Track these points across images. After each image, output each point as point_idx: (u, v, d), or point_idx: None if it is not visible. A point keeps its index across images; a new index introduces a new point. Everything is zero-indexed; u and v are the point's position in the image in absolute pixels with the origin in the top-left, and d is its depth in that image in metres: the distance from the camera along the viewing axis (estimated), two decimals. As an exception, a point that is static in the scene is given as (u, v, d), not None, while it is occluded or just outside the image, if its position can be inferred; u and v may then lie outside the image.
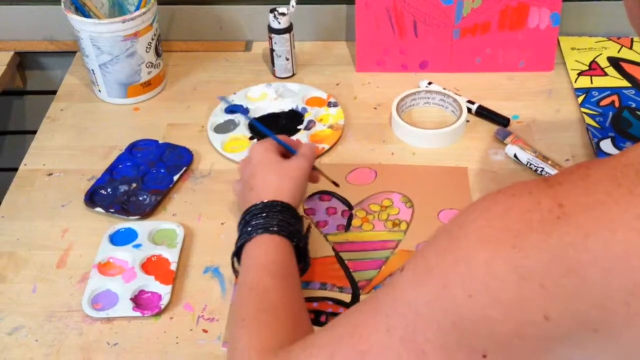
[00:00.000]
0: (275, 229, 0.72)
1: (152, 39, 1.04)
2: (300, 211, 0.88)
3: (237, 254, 0.74)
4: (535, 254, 0.42)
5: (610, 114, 1.01)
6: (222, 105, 1.05)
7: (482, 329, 0.44)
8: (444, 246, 0.46)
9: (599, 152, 0.95)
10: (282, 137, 0.84)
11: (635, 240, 0.40)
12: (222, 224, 0.88)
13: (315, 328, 0.76)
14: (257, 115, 1.04)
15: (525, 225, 0.43)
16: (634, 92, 1.05)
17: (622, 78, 1.08)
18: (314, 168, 0.83)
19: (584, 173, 0.44)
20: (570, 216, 0.42)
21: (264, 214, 0.73)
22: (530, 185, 0.45)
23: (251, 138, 0.99)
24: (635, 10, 0.52)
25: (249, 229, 0.73)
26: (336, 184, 0.88)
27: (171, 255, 0.83)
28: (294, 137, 0.98)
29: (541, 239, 0.42)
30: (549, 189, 0.44)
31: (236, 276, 0.76)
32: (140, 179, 0.93)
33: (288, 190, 0.76)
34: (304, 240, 0.75)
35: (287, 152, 0.83)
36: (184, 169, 0.95)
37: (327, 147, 0.98)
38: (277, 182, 0.76)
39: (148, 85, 1.07)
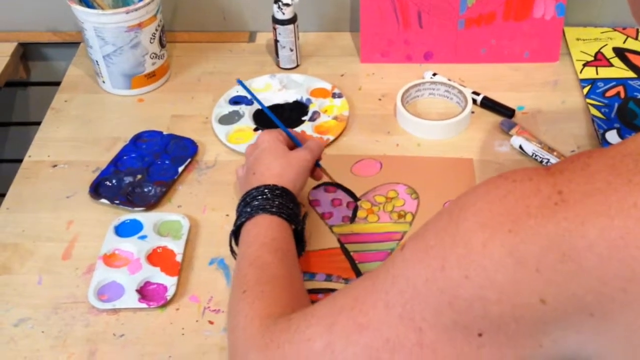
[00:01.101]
0: (275, 210, 0.74)
1: (156, 30, 1.04)
2: (305, 202, 0.89)
3: (236, 233, 0.76)
4: (532, 238, 0.43)
5: (616, 104, 1.01)
6: (226, 97, 1.05)
7: (478, 309, 0.45)
8: (444, 227, 0.47)
9: (604, 143, 0.94)
10: (291, 131, 0.85)
11: (632, 228, 0.41)
12: (227, 215, 0.88)
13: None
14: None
15: (524, 210, 0.43)
16: (639, 83, 1.05)
17: (627, 69, 1.07)
18: (318, 165, 0.84)
19: (584, 162, 0.45)
20: (568, 203, 0.43)
21: (265, 196, 0.75)
22: (531, 172, 0.46)
23: (256, 129, 0.99)
24: (637, 1, 0.52)
25: (249, 209, 0.75)
26: (338, 185, 0.88)
27: (176, 247, 0.83)
28: (299, 129, 0.99)
29: (538, 224, 0.43)
30: (550, 176, 0.45)
31: (234, 257, 0.77)
32: (145, 171, 0.93)
33: (289, 177, 0.78)
34: (302, 225, 0.78)
35: (293, 145, 0.84)
36: (189, 160, 0.95)
37: (331, 138, 0.98)
38: (279, 169, 0.78)
39: (152, 76, 1.07)
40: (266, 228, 0.73)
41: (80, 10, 0.99)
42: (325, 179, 0.87)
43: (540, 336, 0.44)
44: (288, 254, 0.72)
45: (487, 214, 0.45)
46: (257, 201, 0.75)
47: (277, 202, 0.75)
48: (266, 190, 0.76)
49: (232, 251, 0.78)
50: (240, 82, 0.87)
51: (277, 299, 0.65)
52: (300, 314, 0.57)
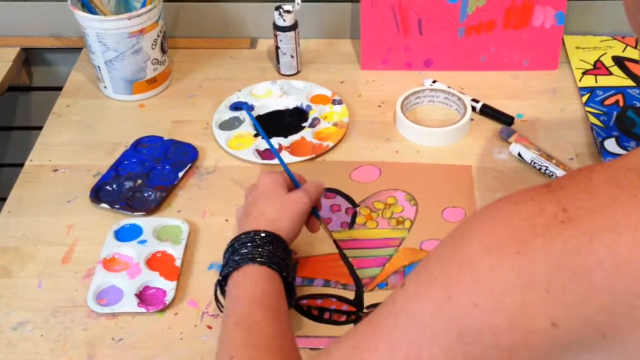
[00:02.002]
0: (264, 260, 0.69)
1: (158, 36, 1.04)
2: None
3: (221, 283, 0.72)
4: (541, 258, 0.42)
5: (615, 113, 1.01)
6: (227, 103, 1.05)
7: (488, 339, 0.43)
8: (448, 256, 0.46)
9: (603, 151, 0.95)
10: (292, 173, 0.82)
11: None
12: (227, 220, 0.88)
13: (316, 325, 0.76)
14: (261, 113, 1.04)
15: (530, 231, 0.43)
16: (638, 91, 1.05)
17: (626, 77, 1.08)
18: (316, 215, 0.80)
19: (586, 177, 0.44)
20: (574, 220, 0.42)
21: (254, 243, 0.71)
22: (532, 192, 0.45)
23: (256, 135, 1.00)
24: (634, 8, 0.52)
25: (237, 257, 0.70)
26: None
27: (176, 252, 0.83)
28: (299, 135, 0.99)
29: (546, 244, 0.42)
30: (552, 194, 0.44)
31: (219, 308, 0.74)
32: (146, 176, 0.94)
33: (283, 224, 0.74)
34: (292, 275, 0.73)
35: (294, 186, 0.81)
36: (189, 165, 0.95)
37: (331, 144, 0.98)
38: (273, 213, 0.74)
39: (153, 81, 1.08)
40: (255, 280, 0.68)
41: (82, 16, 1.00)
42: (327, 177, 0.85)
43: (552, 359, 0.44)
44: (278, 309, 0.67)
45: (493, 237, 0.44)
46: (245, 249, 0.70)
47: (266, 251, 0.70)
48: (256, 238, 0.71)
49: (218, 302, 0.74)
50: (248, 113, 0.84)
51: None
52: None
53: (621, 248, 0.41)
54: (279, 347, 0.63)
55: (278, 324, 0.65)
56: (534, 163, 0.93)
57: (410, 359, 0.45)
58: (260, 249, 0.70)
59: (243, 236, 0.72)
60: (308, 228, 0.80)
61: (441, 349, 0.45)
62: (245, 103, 1.05)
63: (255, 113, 1.04)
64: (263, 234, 0.71)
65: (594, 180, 0.43)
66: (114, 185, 0.93)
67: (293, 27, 1.07)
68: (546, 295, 0.42)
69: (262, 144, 0.98)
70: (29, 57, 1.22)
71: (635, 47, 1.14)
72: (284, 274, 0.70)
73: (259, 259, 0.69)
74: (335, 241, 0.85)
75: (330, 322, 0.77)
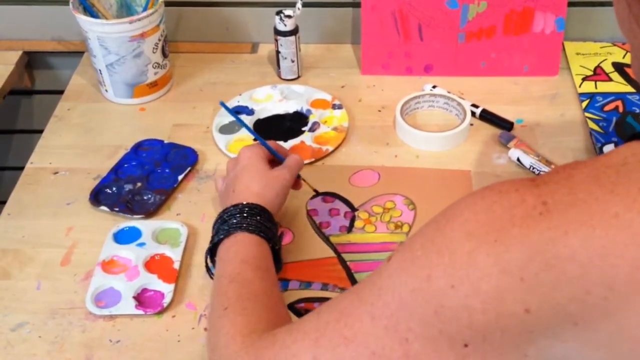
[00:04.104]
0: (253, 228, 0.74)
1: (159, 40, 1.05)
2: (303, 213, 0.89)
3: (212, 251, 0.76)
4: (516, 248, 0.43)
5: (614, 119, 1.02)
6: (228, 106, 1.05)
7: (463, 319, 0.45)
8: (430, 237, 0.48)
9: (602, 157, 0.95)
10: (271, 144, 0.85)
11: (613, 237, 0.41)
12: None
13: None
14: (262, 117, 1.05)
15: (509, 220, 0.44)
16: (638, 97, 1.05)
17: (626, 83, 1.08)
18: (297, 176, 0.85)
19: (568, 173, 0.45)
20: (552, 213, 0.43)
21: (243, 215, 0.75)
22: (518, 183, 0.47)
23: (255, 140, 1.00)
24: (623, 14, 0.53)
25: (227, 227, 0.74)
26: (316, 192, 0.89)
27: (174, 254, 0.84)
28: (298, 139, 0.99)
29: (522, 234, 0.43)
30: (535, 187, 0.45)
31: (210, 275, 0.77)
32: (145, 179, 0.94)
33: (268, 197, 0.78)
34: (279, 244, 0.77)
35: (274, 158, 0.85)
36: (189, 169, 0.96)
37: (331, 149, 0.98)
38: (259, 187, 0.78)
39: (154, 85, 1.08)
40: (246, 246, 0.73)
41: (84, 19, 1.00)
42: (325, 182, 0.87)
43: (525, 346, 0.45)
44: (268, 271, 0.72)
45: (474, 224, 0.45)
46: (235, 219, 0.75)
47: (255, 221, 0.74)
48: (245, 209, 0.75)
49: (208, 269, 0.78)
50: (223, 104, 0.86)
51: (259, 315, 0.65)
52: (285, 330, 0.57)
53: (595, 241, 0.42)
54: (269, 302, 0.68)
55: (268, 283, 0.70)
56: (533, 168, 0.93)
57: (389, 331, 0.48)
58: (249, 219, 0.74)
59: (232, 208, 0.76)
60: (292, 187, 0.84)
61: (418, 324, 0.47)
62: (246, 107, 1.05)
63: (255, 117, 1.04)
64: (250, 206, 0.76)
65: (575, 177, 0.45)
66: (114, 188, 0.93)
67: (294, 31, 1.08)
68: (520, 283, 0.43)
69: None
70: (31, 61, 1.23)
71: (636, 54, 1.14)
72: (272, 242, 0.75)
73: (248, 228, 0.74)
74: (333, 245, 0.85)
75: (327, 325, 0.77)
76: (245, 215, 0.75)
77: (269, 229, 0.75)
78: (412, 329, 0.47)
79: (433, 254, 0.46)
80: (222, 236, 0.74)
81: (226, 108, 0.86)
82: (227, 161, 0.86)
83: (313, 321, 0.55)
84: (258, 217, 0.75)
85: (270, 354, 0.56)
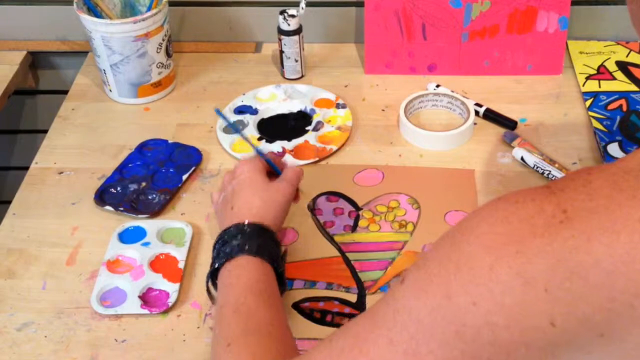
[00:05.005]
0: (256, 251, 0.70)
1: (163, 40, 1.05)
2: (305, 211, 0.89)
3: (213, 275, 0.73)
4: (539, 258, 0.42)
5: (618, 117, 1.02)
6: (231, 106, 1.06)
7: (486, 336, 0.43)
8: (446, 254, 0.46)
9: (606, 156, 0.95)
10: (269, 155, 0.83)
11: (638, 243, 0.41)
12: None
13: (318, 327, 0.77)
14: (265, 116, 1.05)
15: (529, 230, 0.43)
16: (642, 96, 1.05)
17: (630, 82, 1.08)
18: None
19: (585, 179, 0.44)
20: (573, 220, 0.42)
21: (245, 236, 0.72)
22: (533, 193, 0.45)
23: (260, 139, 1.00)
24: (639, 14, 0.53)
25: (228, 249, 0.71)
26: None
27: (179, 254, 0.84)
28: (302, 139, 1.00)
29: (545, 244, 0.42)
30: (552, 195, 0.44)
31: (211, 300, 0.75)
32: (150, 178, 0.94)
33: (270, 215, 0.75)
34: (282, 267, 0.74)
35: (271, 170, 0.82)
36: (193, 168, 0.96)
37: (335, 148, 0.98)
38: (260, 205, 0.75)
39: (158, 85, 1.08)
40: (249, 270, 0.69)
41: (88, 19, 1.01)
42: (331, 180, 0.87)
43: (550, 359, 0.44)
44: (273, 297, 0.69)
45: (492, 236, 0.44)
46: (236, 240, 0.71)
47: (258, 242, 0.71)
48: (246, 229, 0.72)
49: (209, 293, 0.75)
50: (218, 112, 0.83)
51: (265, 349, 0.62)
52: None
53: (619, 248, 0.41)
54: (275, 333, 0.64)
55: (273, 311, 0.66)
56: (537, 167, 0.93)
57: (409, 355, 0.46)
58: (251, 241, 0.71)
59: (232, 228, 0.73)
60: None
61: (439, 346, 0.45)
62: (250, 107, 1.05)
63: (259, 117, 1.04)
64: (252, 227, 0.72)
65: (593, 183, 0.44)
66: (119, 188, 0.93)
67: (297, 31, 1.08)
68: (544, 294, 0.42)
69: (266, 148, 0.98)
70: (35, 61, 1.23)
71: (639, 52, 1.14)
72: (275, 265, 0.71)
73: (251, 251, 0.70)
74: (337, 244, 0.85)
75: (332, 324, 0.77)
76: (247, 236, 0.71)
77: (272, 251, 0.72)
78: (433, 352, 0.45)
79: (451, 271, 0.45)
80: (223, 260, 0.71)
81: (222, 116, 0.83)
82: (225, 174, 0.83)
83: (325, 350, 0.51)
84: (260, 240, 0.72)
85: None
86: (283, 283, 0.74)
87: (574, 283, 0.41)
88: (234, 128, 0.88)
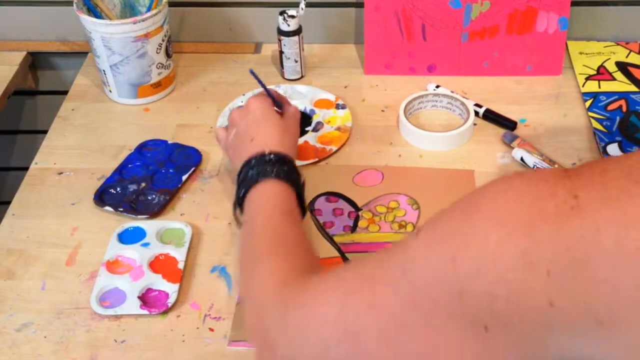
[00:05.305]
0: (283, 176, 0.76)
1: (163, 40, 1.05)
2: (308, 211, 0.89)
3: (240, 201, 0.77)
4: (546, 243, 0.42)
5: (618, 118, 1.02)
6: (231, 106, 1.06)
7: (486, 304, 0.45)
8: (458, 221, 0.47)
9: (605, 157, 0.95)
10: (274, 93, 0.90)
11: None
12: (230, 224, 0.89)
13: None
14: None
15: (538, 215, 0.43)
16: (641, 96, 1.05)
17: (630, 83, 1.08)
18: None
19: (602, 168, 0.44)
20: (583, 209, 0.42)
21: (269, 163, 0.77)
22: (548, 174, 0.46)
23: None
24: None
25: (255, 174, 0.76)
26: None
27: (179, 254, 0.84)
28: (302, 139, 1.00)
29: (553, 230, 0.42)
30: (567, 179, 0.44)
31: (238, 225, 0.79)
32: (150, 179, 0.94)
33: (289, 145, 0.82)
34: (304, 194, 0.79)
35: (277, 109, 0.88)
36: (193, 169, 0.96)
37: (334, 148, 0.99)
38: (280, 136, 0.81)
39: (158, 86, 1.08)
40: (275, 193, 0.75)
41: (88, 20, 1.01)
42: (330, 181, 0.91)
43: (546, 338, 0.44)
44: (298, 217, 0.75)
45: (502, 212, 0.44)
46: (261, 166, 0.76)
47: (283, 169, 0.76)
48: (272, 157, 0.77)
49: (236, 219, 0.79)
50: (252, 72, 0.90)
51: (292, 260, 0.66)
52: (318, 279, 0.58)
53: (629, 243, 0.40)
54: (301, 247, 0.69)
55: (298, 229, 0.72)
56: (537, 168, 0.93)
57: (412, 305, 0.48)
58: (277, 167, 0.76)
59: (256, 157, 0.78)
60: None
61: (441, 303, 0.47)
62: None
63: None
64: (275, 155, 0.78)
65: (609, 172, 0.44)
66: (118, 189, 0.93)
67: (297, 32, 1.08)
68: (547, 277, 0.42)
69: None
70: (35, 61, 1.23)
71: (639, 53, 1.14)
72: (298, 191, 0.77)
73: (279, 175, 0.76)
74: (337, 245, 0.85)
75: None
76: (271, 163, 0.77)
77: (295, 178, 0.77)
78: (435, 306, 0.47)
79: (460, 237, 0.46)
80: (251, 183, 0.76)
81: (255, 76, 0.90)
82: (232, 111, 0.88)
83: (341, 279, 0.55)
84: (285, 167, 0.77)
85: (303, 298, 0.57)
86: (304, 210, 0.78)
87: (578, 271, 0.42)
88: (258, 80, 0.91)
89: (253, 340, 0.64)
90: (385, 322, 0.50)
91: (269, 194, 0.75)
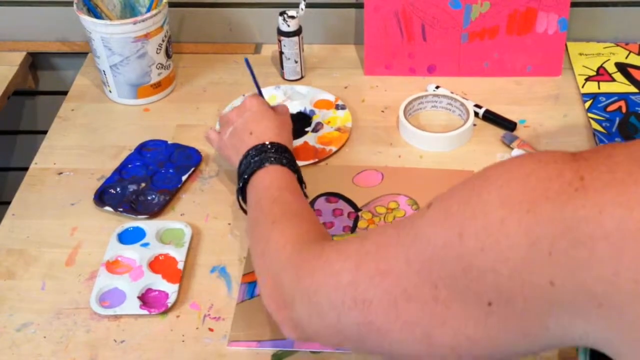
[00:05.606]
0: (285, 162, 0.80)
1: (163, 41, 1.05)
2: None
3: (243, 188, 0.81)
4: (548, 223, 0.43)
5: (617, 119, 1.02)
6: (231, 107, 1.06)
7: (489, 280, 0.46)
8: (467, 197, 0.48)
9: (605, 157, 0.95)
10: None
11: None
12: (229, 224, 0.89)
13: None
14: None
15: (542, 193, 0.44)
16: (641, 97, 1.05)
17: (629, 84, 1.08)
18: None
19: (608, 153, 0.45)
20: (588, 190, 0.43)
21: (270, 152, 0.81)
22: (557, 155, 0.46)
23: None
24: None
25: (257, 161, 0.80)
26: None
27: (178, 255, 0.84)
28: (302, 140, 1.00)
29: (555, 209, 0.43)
30: (574, 162, 0.45)
31: (244, 211, 0.82)
32: (149, 179, 0.94)
33: (286, 137, 0.86)
34: (303, 182, 0.83)
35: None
36: (193, 169, 0.96)
37: (334, 149, 0.99)
38: (277, 129, 0.85)
39: (158, 86, 1.08)
40: (280, 176, 0.78)
41: (88, 20, 1.01)
42: (329, 182, 0.92)
43: (547, 317, 0.45)
44: (303, 197, 0.78)
45: (509, 191, 0.45)
46: (263, 154, 0.80)
47: (283, 156, 0.80)
48: (272, 147, 0.81)
49: (240, 206, 0.83)
50: (247, 61, 0.94)
51: (307, 228, 0.69)
52: (332, 247, 0.60)
53: (631, 224, 0.41)
54: (312, 219, 0.73)
55: (306, 205, 0.76)
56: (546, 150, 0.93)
57: (421, 275, 0.50)
58: (278, 154, 0.81)
59: (259, 146, 0.82)
60: None
61: (448, 275, 0.48)
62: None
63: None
64: (274, 145, 0.82)
65: (615, 157, 0.44)
66: (118, 189, 0.93)
67: (297, 32, 1.08)
68: (548, 257, 0.43)
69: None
70: (35, 62, 1.23)
71: (639, 54, 1.14)
72: (300, 176, 0.82)
73: (281, 161, 0.80)
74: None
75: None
76: (273, 151, 0.81)
77: (295, 166, 0.82)
78: (442, 278, 0.49)
79: (467, 214, 0.47)
80: (254, 168, 0.79)
81: (249, 65, 0.93)
82: (225, 112, 0.91)
83: (356, 247, 0.57)
84: (286, 154, 0.81)
85: (316, 264, 0.59)
86: (305, 195, 0.81)
87: (579, 252, 0.42)
88: (251, 72, 0.94)
89: (269, 306, 0.66)
90: (395, 293, 0.52)
91: (272, 176, 0.78)
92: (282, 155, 0.81)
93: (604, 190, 0.42)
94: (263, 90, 1.08)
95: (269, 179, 0.78)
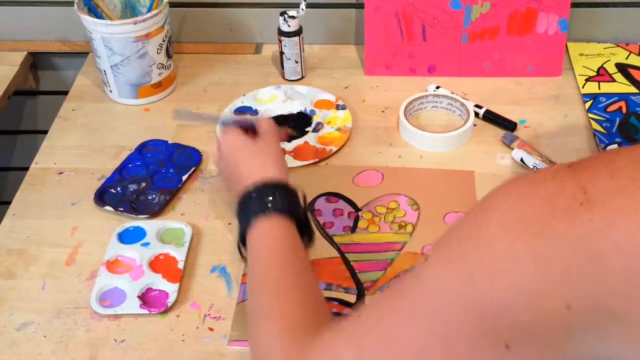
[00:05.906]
0: (270, 206, 0.72)
1: (163, 41, 1.05)
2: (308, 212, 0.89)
3: (242, 241, 0.75)
4: (558, 242, 0.42)
5: (618, 119, 1.02)
6: (231, 107, 1.06)
7: (505, 318, 0.44)
8: (467, 232, 0.46)
9: (605, 158, 0.95)
10: (236, 118, 0.87)
11: None
12: (230, 224, 0.89)
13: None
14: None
15: (548, 213, 0.43)
16: (641, 98, 1.05)
17: (629, 84, 1.08)
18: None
19: (609, 159, 0.44)
20: (593, 203, 0.42)
21: (255, 196, 0.73)
22: (555, 171, 0.45)
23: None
24: None
25: (244, 218, 0.74)
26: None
27: (179, 254, 0.84)
28: (302, 140, 1.00)
29: (563, 228, 0.42)
30: (573, 173, 0.44)
31: (245, 262, 0.77)
32: (150, 179, 0.94)
33: (272, 166, 0.77)
34: (303, 212, 0.75)
35: (249, 130, 0.84)
36: (193, 169, 0.96)
37: (334, 149, 0.99)
38: (259, 162, 0.77)
39: (159, 86, 1.08)
40: (269, 234, 0.71)
41: (89, 20, 1.01)
42: (330, 181, 0.90)
43: (565, 344, 0.44)
44: (296, 260, 0.70)
45: (511, 216, 0.44)
46: (250, 204, 0.73)
47: (269, 199, 0.72)
48: (255, 189, 0.74)
49: (243, 257, 0.77)
50: (178, 111, 0.91)
51: (299, 315, 0.63)
52: (329, 330, 0.56)
53: (639, 231, 0.40)
54: (306, 296, 0.66)
55: (300, 275, 0.68)
56: (537, 169, 0.93)
57: (431, 333, 0.47)
58: (263, 199, 0.72)
59: (244, 194, 0.74)
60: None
61: (459, 326, 0.46)
62: (250, 108, 1.06)
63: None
64: (261, 185, 0.74)
65: (616, 163, 0.43)
66: (118, 188, 0.93)
67: (297, 32, 1.08)
68: (561, 278, 0.42)
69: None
70: (35, 62, 1.23)
71: (639, 55, 1.14)
72: (293, 214, 0.73)
73: (264, 210, 0.72)
74: (337, 245, 0.85)
75: (331, 325, 0.77)
76: (257, 196, 0.73)
77: (287, 200, 0.73)
78: (453, 330, 0.46)
79: (471, 250, 0.45)
80: (243, 227, 0.73)
81: (181, 115, 0.90)
82: (213, 161, 0.89)
83: (353, 325, 0.54)
84: (272, 193, 0.73)
85: (316, 353, 0.56)
86: (309, 228, 0.75)
87: (591, 268, 0.41)
88: (197, 118, 0.92)
89: None
90: (403, 354, 0.49)
91: (261, 237, 0.71)
92: (266, 198, 0.72)
93: (609, 201, 0.41)
94: (263, 90, 1.09)
95: (258, 242, 0.71)
